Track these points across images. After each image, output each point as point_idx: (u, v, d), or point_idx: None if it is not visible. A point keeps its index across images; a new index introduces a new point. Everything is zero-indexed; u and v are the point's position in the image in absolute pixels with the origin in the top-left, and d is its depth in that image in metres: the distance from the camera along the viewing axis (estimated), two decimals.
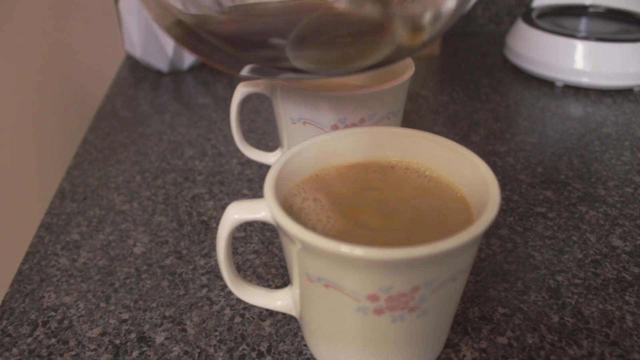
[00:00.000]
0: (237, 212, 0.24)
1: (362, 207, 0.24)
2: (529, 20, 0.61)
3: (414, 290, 0.21)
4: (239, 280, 0.27)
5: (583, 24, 0.62)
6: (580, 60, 0.56)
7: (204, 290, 0.32)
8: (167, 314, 0.30)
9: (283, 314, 0.30)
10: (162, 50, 0.62)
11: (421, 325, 0.23)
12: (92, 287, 0.32)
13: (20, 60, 0.53)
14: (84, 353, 0.28)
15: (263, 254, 0.35)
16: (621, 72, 0.55)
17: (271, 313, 0.30)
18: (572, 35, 0.56)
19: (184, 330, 0.29)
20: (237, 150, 0.47)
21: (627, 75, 0.55)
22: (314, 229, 0.23)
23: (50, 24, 0.60)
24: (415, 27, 0.23)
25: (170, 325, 0.29)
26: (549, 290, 0.31)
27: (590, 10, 0.65)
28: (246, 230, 0.37)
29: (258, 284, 0.32)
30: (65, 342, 0.29)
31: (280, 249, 0.35)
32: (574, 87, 0.57)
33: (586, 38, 0.55)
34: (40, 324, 0.30)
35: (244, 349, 0.28)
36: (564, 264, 0.33)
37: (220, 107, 0.56)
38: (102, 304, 0.31)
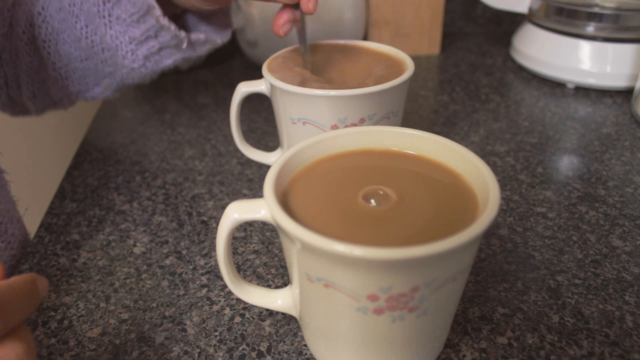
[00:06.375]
0: (237, 212, 0.24)
1: (361, 206, 0.24)
2: (536, 21, 0.61)
3: (413, 290, 0.21)
4: (239, 280, 0.27)
5: (589, 24, 0.62)
6: (587, 61, 0.55)
7: (204, 290, 0.32)
8: (167, 314, 0.30)
9: (283, 314, 0.30)
10: None
11: (421, 325, 0.23)
12: (92, 287, 0.32)
13: None
14: (84, 353, 0.28)
15: (263, 254, 0.35)
16: (626, 72, 0.54)
17: (271, 313, 0.30)
18: (579, 35, 0.56)
19: (184, 330, 0.29)
20: (237, 150, 0.47)
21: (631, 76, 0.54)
22: (312, 227, 0.23)
23: None
24: None
25: (170, 325, 0.29)
26: (549, 290, 0.31)
27: (596, 10, 0.65)
28: (246, 230, 0.37)
29: (258, 284, 0.32)
30: (65, 342, 0.29)
31: (280, 249, 0.35)
32: (574, 87, 0.57)
33: (593, 38, 0.55)
34: (40, 324, 0.30)
35: (244, 349, 0.28)
36: (564, 264, 0.33)
37: (220, 107, 0.56)
38: (102, 304, 0.31)
